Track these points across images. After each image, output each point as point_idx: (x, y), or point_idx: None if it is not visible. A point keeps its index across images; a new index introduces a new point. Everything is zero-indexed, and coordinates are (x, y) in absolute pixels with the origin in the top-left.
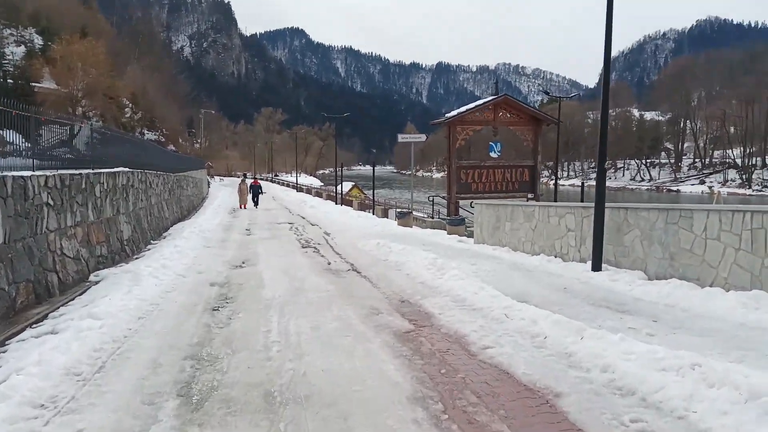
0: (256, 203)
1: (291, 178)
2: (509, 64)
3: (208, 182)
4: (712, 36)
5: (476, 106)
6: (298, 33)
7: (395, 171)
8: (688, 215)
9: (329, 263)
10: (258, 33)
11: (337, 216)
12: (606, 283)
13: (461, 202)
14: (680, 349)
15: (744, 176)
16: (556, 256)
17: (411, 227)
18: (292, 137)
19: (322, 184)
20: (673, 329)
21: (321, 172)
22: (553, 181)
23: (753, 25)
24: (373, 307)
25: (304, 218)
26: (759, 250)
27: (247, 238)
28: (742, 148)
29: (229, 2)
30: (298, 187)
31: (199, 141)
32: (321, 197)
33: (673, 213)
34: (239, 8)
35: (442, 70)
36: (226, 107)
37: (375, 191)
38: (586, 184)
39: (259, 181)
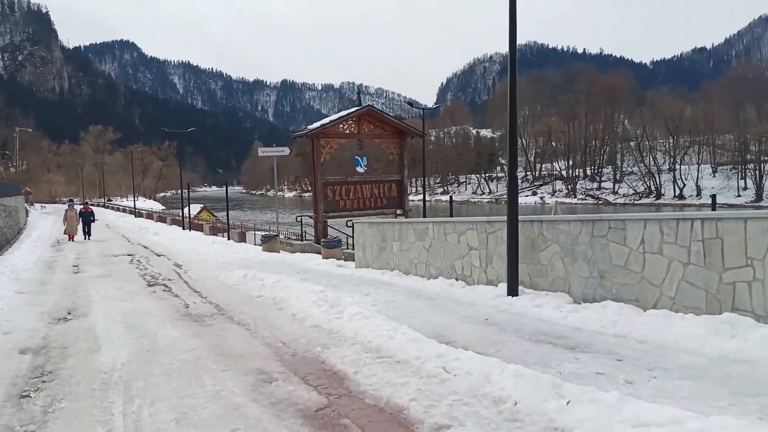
0: (87, 233)
1: (128, 202)
2: (353, 83)
3: (27, 210)
4: (533, 59)
5: (339, 118)
6: (128, 46)
7: (245, 191)
8: (619, 226)
9: (187, 306)
10: (82, 45)
11: (188, 243)
12: (530, 309)
13: (330, 222)
14: (692, 407)
15: (569, 187)
16: (457, 279)
17: (278, 252)
18: (126, 157)
19: (164, 207)
20: (649, 370)
21: (162, 194)
22: (418, 197)
23: (566, 49)
24: (261, 370)
25: (146, 248)
26: (715, 264)
27: (75, 278)
28: (565, 161)
29: (47, 12)
30: (136, 212)
31: (14, 164)
32: (165, 222)
33: (600, 224)
34: (59, 18)
35: (288, 87)
36: (47, 126)
37: (222, 213)
38: (433, 199)
39: (90, 206)
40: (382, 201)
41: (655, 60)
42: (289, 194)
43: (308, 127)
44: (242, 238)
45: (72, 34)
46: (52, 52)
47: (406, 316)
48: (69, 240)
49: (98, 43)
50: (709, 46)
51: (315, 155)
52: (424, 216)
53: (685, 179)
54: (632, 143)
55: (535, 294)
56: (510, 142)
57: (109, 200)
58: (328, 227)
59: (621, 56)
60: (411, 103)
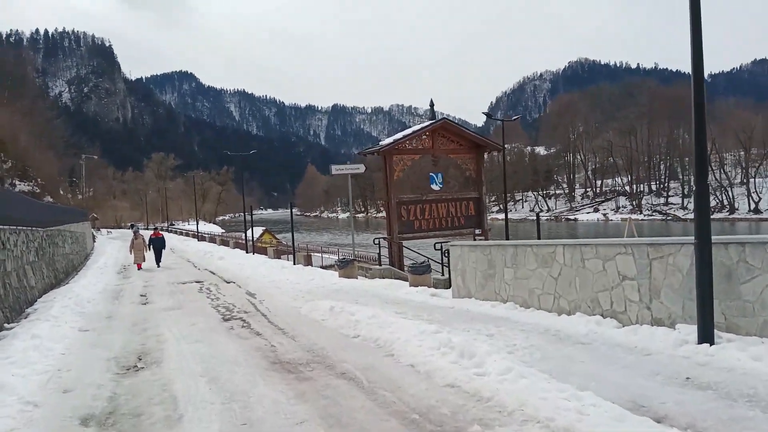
0: (158, 261)
1: (189, 226)
2: (402, 105)
3: (93, 236)
4: (584, 76)
5: (413, 133)
6: (187, 77)
7: (299, 213)
8: None
9: (274, 349)
10: (144, 77)
11: (256, 269)
12: (747, 364)
13: (406, 244)
14: None
15: (633, 203)
16: (604, 316)
17: (356, 278)
18: (187, 183)
19: (224, 231)
20: None
21: (221, 218)
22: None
23: (619, 64)
24: None
25: (214, 274)
26: None
27: (143, 311)
28: (629, 176)
29: (110, 45)
30: (199, 236)
31: (81, 191)
32: (228, 246)
33: None
34: (122, 51)
35: (338, 111)
36: (112, 154)
37: (286, 236)
38: (489, 217)
39: (160, 232)
40: (460, 220)
41: (713, 73)
42: (342, 215)
43: (380, 143)
44: (308, 262)
45: (134, 66)
46: (115, 83)
47: (567, 371)
48: (138, 269)
49: (158, 74)
50: None
51: (388, 173)
52: (507, 237)
53: (760, 192)
54: None
55: (741, 340)
56: (696, 139)
57: (172, 224)
58: (404, 249)
59: (677, 70)
60: (490, 115)
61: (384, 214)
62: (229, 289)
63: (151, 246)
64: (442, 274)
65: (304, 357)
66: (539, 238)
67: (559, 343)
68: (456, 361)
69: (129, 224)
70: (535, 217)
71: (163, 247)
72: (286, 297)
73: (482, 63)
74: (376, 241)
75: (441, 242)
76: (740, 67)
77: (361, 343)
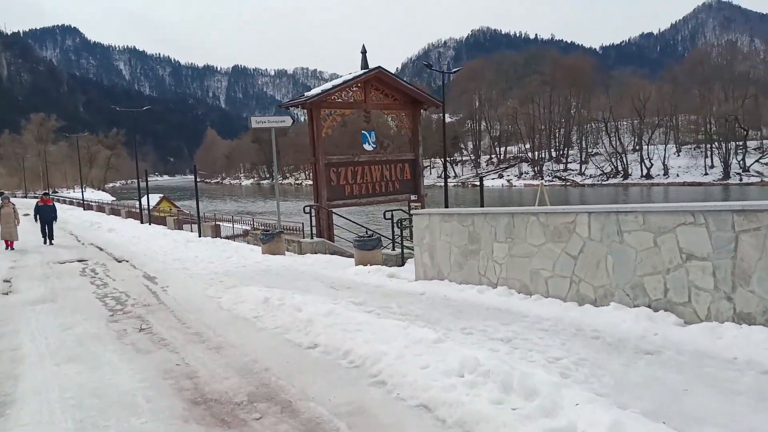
0: (49, 236)
1: (75, 194)
2: (307, 68)
3: None
4: (486, 44)
5: (344, 83)
6: (70, 31)
7: (200, 180)
8: None
9: (192, 371)
10: (21, 31)
11: (154, 242)
12: None
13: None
14: None
15: (535, 169)
16: (654, 308)
17: (284, 254)
18: (72, 147)
19: (115, 199)
20: None
21: (111, 185)
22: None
23: (519, 34)
24: None
25: (102, 250)
26: None
27: (2, 304)
28: (531, 143)
29: None
30: (85, 204)
31: None
32: (119, 216)
33: None
34: None
35: (239, 73)
36: None
37: (186, 203)
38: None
39: (50, 199)
40: (395, 185)
41: (604, 45)
42: (246, 182)
43: (305, 94)
44: (216, 233)
45: (9, 19)
46: None
47: (685, 413)
48: (7, 248)
49: (38, 28)
50: (656, 32)
51: (315, 129)
52: (446, 204)
53: (652, 159)
54: (600, 125)
55: None
56: None
57: (55, 192)
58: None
59: (572, 41)
60: (430, 66)
61: (293, 179)
62: (120, 270)
63: (38, 217)
64: (393, 249)
65: (242, 388)
66: (482, 205)
67: (615, 353)
68: (501, 402)
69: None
70: (440, 184)
71: (54, 218)
72: (198, 282)
73: (387, 28)
74: (307, 210)
75: (392, 210)
76: (629, 39)
77: (325, 358)
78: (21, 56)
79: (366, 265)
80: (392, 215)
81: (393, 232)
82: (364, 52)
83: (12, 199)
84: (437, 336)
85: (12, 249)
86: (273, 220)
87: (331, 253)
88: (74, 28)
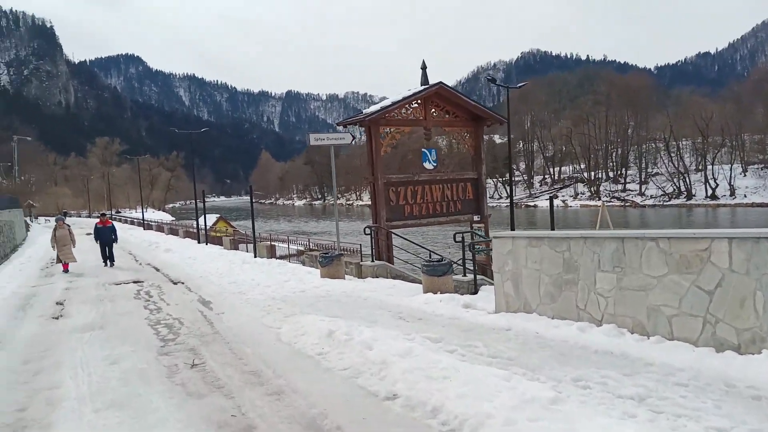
0: (109, 258)
1: (136, 214)
2: (357, 92)
3: (27, 225)
4: (536, 66)
5: (403, 99)
6: (134, 60)
7: (254, 201)
8: None
9: (251, 427)
10: (88, 60)
11: (210, 264)
12: None
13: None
14: None
15: (592, 189)
16: None
17: (344, 278)
18: (134, 169)
19: (174, 218)
20: None
21: (170, 205)
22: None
23: (570, 56)
24: None
25: (158, 270)
26: None
27: (49, 332)
28: (586, 163)
29: (52, 26)
30: (145, 224)
31: (14, 176)
32: (177, 235)
33: None
34: (64, 32)
35: (293, 98)
36: (53, 140)
37: (241, 224)
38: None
39: (109, 220)
40: (456, 205)
41: (659, 65)
42: (298, 203)
43: (363, 111)
44: (272, 253)
45: (77, 48)
46: (57, 66)
47: None
48: (64, 270)
49: (103, 57)
50: (713, 51)
51: (374, 147)
52: (512, 226)
53: (716, 179)
54: (659, 144)
55: None
56: None
57: (118, 212)
58: (392, 243)
59: (625, 62)
60: (494, 80)
61: (344, 200)
62: (175, 293)
63: (98, 239)
64: (464, 275)
65: None
66: (553, 227)
67: None
68: None
69: (61, 214)
70: (493, 204)
71: (114, 239)
72: (254, 309)
73: (436, 52)
74: (368, 231)
75: (462, 232)
76: (685, 59)
77: (409, 416)
78: (87, 84)
79: (436, 293)
80: (462, 237)
81: (464, 255)
82: (424, 67)
83: (77, 219)
84: (553, 395)
85: (67, 271)
86: (327, 240)
87: (393, 277)
88: (137, 56)
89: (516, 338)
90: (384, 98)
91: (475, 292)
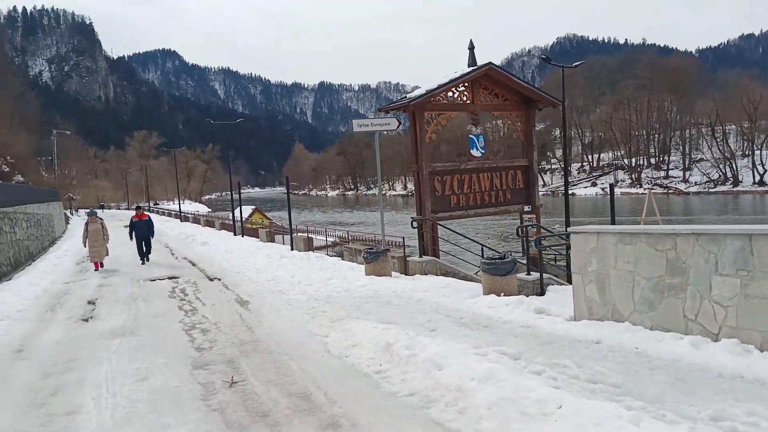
0: (146, 255)
1: (174, 206)
2: (389, 82)
3: (67, 218)
4: (572, 51)
5: (450, 82)
6: (170, 55)
7: (287, 192)
8: None
9: None
10: (126, 55)
11: (247, 258)
12: None
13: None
14: None
15: (633, 176)
16: None
17: (391, 275)
18: (171, 162)
19: (210, 210)
20: None
21: (207, 197)
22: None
23: (607, 40)
24: None
25: (194, 265)
26: None
27: (76, 337)
28: (626, 149)
29: (91, 23)
30: (182, 216)
31: (54, 169)
32: (213, 227)
33: None
34: (103, 29)
35: (325, 89)
36: (94, 134)
37: (276, 215)
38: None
39: (146, 213)
40: (506, 194)
41: (701, 48)
42: (332, 193)
43: (407, 95)
44: (309, 246)
45: (115, 44)
46: (96, 62)
47: None
48: (95, 269)
49: (141, 52)
50: (757, 33)
51: (419, 133)
52: (567, 218)
53: (765, 165)
54: (704, 129)
55: None
56: None
57: (156, 204)
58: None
59: (665, 45)
60: (548, 59)
61: (375, 190)
62: (212, 291)
63: (133, 234)
64: (528, 273)
65: None
66: (613, 219)
67: None
68: None
69: (90, 208)
70: (544, 193)
71: (151, 233)
72: (297, 311)
73: (467, 40)
74: (415, 224)
75: (526, 224)
76: (728, 41)
77: None
78: (126, 79)
79: (499, 295)
80: (525, 231)
81: (527, 251)
82: (471, 47)
83: (116, 211)
84: None
85: (100, 268)
86: (364, 231)
87: (442, 274)
88: (173, 51)
89: (612, 355)
90: (416, 87)
91: (542, 293)
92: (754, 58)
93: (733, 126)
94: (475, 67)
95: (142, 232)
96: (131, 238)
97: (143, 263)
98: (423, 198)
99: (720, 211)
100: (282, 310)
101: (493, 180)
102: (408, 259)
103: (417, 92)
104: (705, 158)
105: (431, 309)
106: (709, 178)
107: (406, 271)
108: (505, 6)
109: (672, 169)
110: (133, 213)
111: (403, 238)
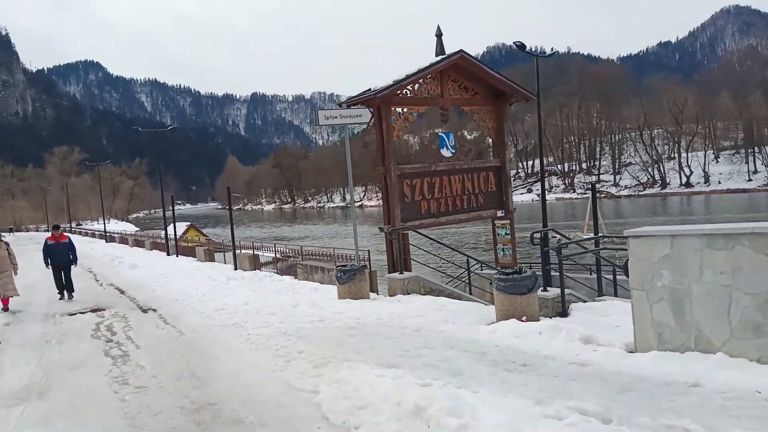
0: (68, 290)
1: (99, 226)
2: (324, 92)
3: None
4: (502, 60)
5: (418, 72)
6: (93, 66)
7: (220, 207)
8: None
9: None
10: (46, 68)
11: (187, 281)
12: None
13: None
14: None
15: (566, 181)
16: None
17: (368, 297)
18: (94, 179)
19: (138, 229)
20: None
21: (134, 215)
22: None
23: (534, 49)
24: None
25: (123, 293)
26: None
27: None
28: (559, 154)
29: (7, 33)
30: (108, 236)
31: None
32: (143, 247)
33: None
34: (21, 41)
35: (258, 100)
36: (10, 151)
37: (211, 231)
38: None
39: (65, 234)
40: (478, 198)
41: (622, 56)
42: (268, 207)
43: (371, 89)
44: (255, 264)
45: (35, 57)
46: (14, 75)
47: None
48: (3, 307)
49: (62, 64)
50: (674, 40)
51: (385, 131)
52: (545, 221)
53: (691, 167)
54: (632, 133)
55: None
56: None
57: (78, 224)
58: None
59: (588, 53)
60: (522, 46)
61: (315, 203)
62: (146, 327)
63: (49, 261)
64: (545, 290)
65: None
66: (595, 222)
67: None
68: None
69: (8, 228)
70: None
71: (73, 260)
72: (263, 354)
73: (399, 47)
74: (388, 233)
75: (540, 231)
76: (647, 49)
77: None
78: (45, 92)
79: (521, 319)
80: (542, 236)
81: (545, 263)
82: (439, 35)
83: (33, 234)
84: None
85: (6, 309)
86: (311, 245)
87: (426, 292)
88: (97, 63)
89: (733, 406)
90: (352, 98)
91: (565, 314)
92: (671, 65)
93: (660, 129)
94: (444, 56)
95: (60, 258)
96: (47, 265)
97: (62, 298)
98: (392, 205)
99: (650, 212)
100: (243, 351)
101: (464, 183)
102: (390, 277)
103: (383, 84)
104: (634, 162)
105: (439, 342)
106: (638, 181)
107: (374, 290)
108: (435, 18)
109: (603, 174)
110: (47, 235)
111: (368, 251)
